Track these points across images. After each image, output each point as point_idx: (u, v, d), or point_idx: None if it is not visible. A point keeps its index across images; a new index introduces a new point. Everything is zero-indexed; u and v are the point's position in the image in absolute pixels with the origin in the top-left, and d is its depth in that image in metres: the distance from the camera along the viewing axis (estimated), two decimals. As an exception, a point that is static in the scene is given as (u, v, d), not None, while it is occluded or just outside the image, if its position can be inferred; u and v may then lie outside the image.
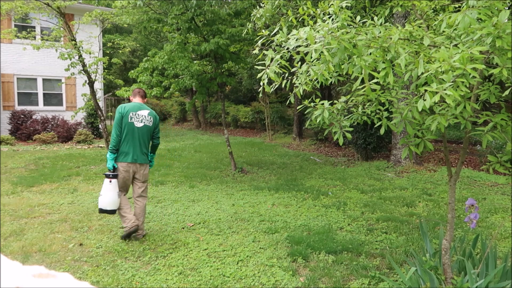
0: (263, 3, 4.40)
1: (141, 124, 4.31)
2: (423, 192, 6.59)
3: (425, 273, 2.76)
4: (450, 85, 1.69)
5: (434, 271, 2.73)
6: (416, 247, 4.07)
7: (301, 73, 2.33)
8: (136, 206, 4.42)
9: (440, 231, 3.21)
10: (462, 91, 1.71)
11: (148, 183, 4.40)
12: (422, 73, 1.86)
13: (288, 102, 2.89)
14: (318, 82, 2.44)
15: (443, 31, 2.28)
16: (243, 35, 6.68)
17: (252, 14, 4.55)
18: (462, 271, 2.88)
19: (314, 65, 2.24)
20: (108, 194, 4.17)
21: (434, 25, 2.72)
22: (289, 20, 2.67)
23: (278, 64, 2.26)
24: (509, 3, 2.06)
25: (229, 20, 8.17)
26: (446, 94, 1.66)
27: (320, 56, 2.10)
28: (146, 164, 4.41)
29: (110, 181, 4.18)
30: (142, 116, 4.33)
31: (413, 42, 2.19)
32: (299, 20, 2.91)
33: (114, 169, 4.27)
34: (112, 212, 4.25)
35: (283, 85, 2.51)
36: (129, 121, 4.24)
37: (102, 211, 4.24)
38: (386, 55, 2.03)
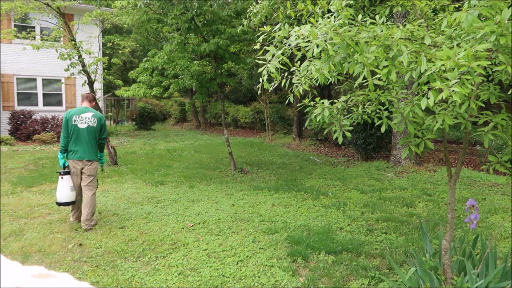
0: (260, 0, 4.39)
1: (85, 126, 4.77)
2: (423, 192, 6.59)
3: (425, 273, 2.76)
4: (456, 82, 1.68)
5: (434, 271, 2.73)
6: (416, 247, 4.07)
7: (301, 72, 2.33)
8: (83, 197, 4.82)
9: (440, 231, 3.21)
10: (468, 89, 1.70)
11: (96, 178, 4.93)
12: (426, 71, 1.86)
13: (287, 101, 2.90)
14: (317, 81, 2.43)
15: (443, 31, 2.28)
16: (238, 31, 6.68)
17: (248, 10, 4.54)
18: (462, 272, 2.88)
19: (315, 62, 2.23)
20: (61, 189, 4.69)
21: (433, 24, 2.72)
22: (287, 13, 2.66)
23: (279, 61, 2.25)
24: (509, 2, 2.06)
25: (229, 20, 8.17)
26: (453, 91, 1.66)
27: (321, 53, 2.10)
28: (93, 160, 4.83)
29: (62, 177, 4.70)
30: (85, 118, 4.80)
31: (414, 41, 2.19)
32: (297, 16, 2.90)
33: (65, 166, 4.78)
34: (67, 204, 4.73)
35: (282, 84, 2.50)
36: (73, 123, 4.73)
37: (58, 204, 4.73)
38: (388, 53, 2.03)
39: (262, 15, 4.31)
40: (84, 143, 4.73)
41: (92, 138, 4.80)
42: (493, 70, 1.99)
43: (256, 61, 2.51)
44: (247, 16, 4.78)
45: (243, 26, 5.24)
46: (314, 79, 2.40)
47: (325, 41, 2.00)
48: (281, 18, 2.35)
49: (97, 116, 4.87)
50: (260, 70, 2.27)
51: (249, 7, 7.93)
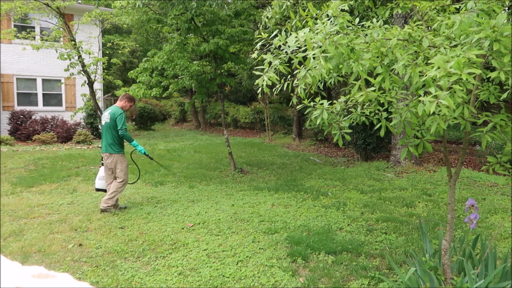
0: (271, 6, 4.41)
1: (103, 123, 5.42)
2: (423, 192, 6.59)
3: (424, 273, 2.76)
4: (447, 93, 1.69)
5: (434, 271, 2.73)
6: (416, 247, 4.07)
7: (300, 78, 2.33)
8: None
9: (440, 231, 3.21)
10: (459, 98, 1.70)
11: (119, 171, 5.39)
12: (420, 77, 1.87)
13: (290, 103, 2.91)
14: (321, 83, 2.43)
15: (443, 32, 2.28)
16: (254, 36, 6.67)
17: (263, 15, 4.55)
18: (462, 272, 2.88)
19: (312, 69, 2.24)
20: (97, 176, 5.60)
21: (434, 27, 2.72)
22: (294, 24, 2.67)
23: (275, 70, 2.26)
24: (509, 3, 2.06)
25: (229, 20, 8.17)
26: (441, 103, 1.66)
27: (319, 60, 2.10)
28: (110, 154, 5.35)
29: (100, 167, 5.59)
30: (105, 116, 5.43)
31: (412, 43, 2.19)
32: (303, 23, 2.91)
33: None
34: (97, 190, 5.59)
35: (284, 88, 2.50)
36: (100, 120, 5.55)
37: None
38: (384, 59, 2.03)
39: (276, 20, 4.34)
40: (104, 138, 5.39)
41: (108, 133, 5.33)
42: (487, 76, 2.00)
43: (254, 72, 2.53)
44: (262, 21, 4.80)
45: (259, 30, 5.27)
46: (318, 81, 2.40)
47: (321, 53, 2.01)
48: (289, 29, 2.37)
49: (111, 112, 5.35)
50: (257, 82, 2.29)
51: (249, 7, 7.92)
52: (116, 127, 5.29)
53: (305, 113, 2.70)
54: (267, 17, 4.20)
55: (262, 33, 2.63)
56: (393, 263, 3.14)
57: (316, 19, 2.56)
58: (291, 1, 4.08)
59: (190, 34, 8.01)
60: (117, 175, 5.38)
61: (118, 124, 5.28)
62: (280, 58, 2.28)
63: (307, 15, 2.55)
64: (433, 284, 2.66)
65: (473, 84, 1.98)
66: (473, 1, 2.04)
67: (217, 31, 7.68)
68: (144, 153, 5.61)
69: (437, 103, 1.68)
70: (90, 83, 8.99)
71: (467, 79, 1.66)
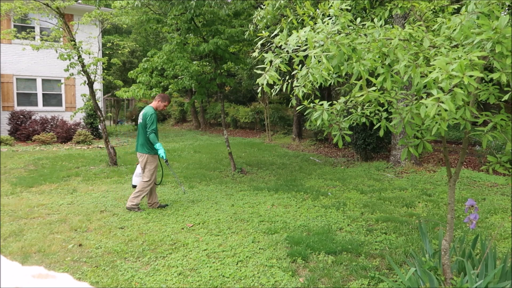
0: (263, 5, 4.38)
1: (138, 123, 5.59)
2: (423, 192, 6.59)
3: (424, 273, 2.76)
4: (449, 96, 1.69)
5: (434, 271, 2.73)
6: (416, 247, 4.07)
7: (301, 76, 2.33)
8: None
9: (440, 231, 3.22)
10: (460, 101, 1.70)
11: (147, 171, 5.46)
12: (422, 78, 1.86)
13: (290, 104, 2.91)
14: (317, 83, 2.43)
15: (443, 32, 2.29)
16: (245, 36, 6.67)
17: (254, 16, 4.54)
18: (462, 272, 2.88)
19: (313, 68, 2.24)
20: (134, 172, 5.75)
21: (434, 28, 2.72)
22: (290, 21, 2.67)
23: (276, 69, 2.26)
24: (509, 4, 2.06)
25: (229, 20, 8.17)
26: (442, 107, 1.66)
27: (320, 60, 2.10)
28: (142, 153, 5.47)
29: (138, 164, 5.72)
30: (139, 116, 5.57)
31: (413, 43, 2.19)
32: (299, 21, 2.90)
33: None
34: (133, 186, 5.70)
35: (284, 89, 2.51)
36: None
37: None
38: (385, 59, 2.03)
39: (268, 20, 4.31)
40: (137, 138, 5.58)
41: (140, 133, 5.49)
42: (488, 77, 2.00)
43: (255, 71, 2.53)
44: (253, 22, 4.78)
45: (249, 32, 5.25)
46: (314, 82, 2.40)
47: (322, 52, 2.01)
48: (285, 27, 2.37)
49: (144, 112, 5.50)
50: (258, 80, 2.28)
51: (248, 7, 7.92)
52: (145, 128, 5.43)
53: (305, 113, 2.70)
54: (259, 16, 4.18)
55: (263, 32, 2.63)
56: (393, 263, 3.14)
57: (313, 17, 2.57)
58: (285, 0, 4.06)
59: (190, 34, 8.01)
60: (144, 174, 5.46)
61: (147, 125, 5.40)
62: (281, 57, 2.28)
63: (303, 14, 2.55)
64: (433, 284, 2.66)
65: (474, 88, 1.98)
66: (473, 2, 2.04)
67: (216, 31, 7.68)
68: (163, 157, 5.57)
69: (438, 106, 1.68)
70: (90, 83, 8.98)
71: (468, 82, 1.66)
